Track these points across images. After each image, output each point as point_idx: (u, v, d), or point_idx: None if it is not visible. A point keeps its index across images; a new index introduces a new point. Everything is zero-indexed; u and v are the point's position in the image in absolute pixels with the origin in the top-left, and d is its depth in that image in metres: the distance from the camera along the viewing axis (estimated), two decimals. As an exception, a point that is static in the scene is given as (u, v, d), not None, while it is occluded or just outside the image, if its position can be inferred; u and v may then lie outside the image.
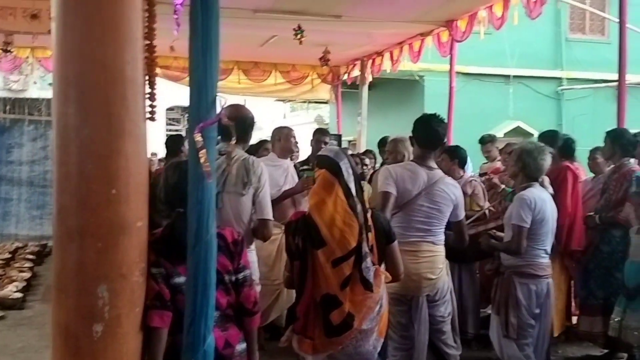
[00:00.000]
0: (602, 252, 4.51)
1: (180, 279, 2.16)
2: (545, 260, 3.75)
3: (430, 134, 3.62)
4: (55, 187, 1.93)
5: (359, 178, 3.01)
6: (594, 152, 5.21)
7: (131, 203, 1.91)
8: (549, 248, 3.77)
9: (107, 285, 1.88)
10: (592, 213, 4.64)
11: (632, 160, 4.55)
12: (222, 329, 2.31)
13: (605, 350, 4.68)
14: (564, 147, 4.99)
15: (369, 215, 2.93)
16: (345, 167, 2.88)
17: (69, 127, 1.86)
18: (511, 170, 3.91)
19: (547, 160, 3.76)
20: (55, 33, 1.88)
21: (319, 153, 3.22)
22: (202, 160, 1.75)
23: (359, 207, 2.86)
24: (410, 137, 3.78)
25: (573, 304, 5.01)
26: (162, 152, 8.86)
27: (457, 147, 5.21)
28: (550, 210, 3.73)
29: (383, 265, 3.11)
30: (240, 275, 2.40)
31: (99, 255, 1.87)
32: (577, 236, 4.66)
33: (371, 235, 2.90)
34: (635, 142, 4.52)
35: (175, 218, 2.21)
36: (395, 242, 3.14)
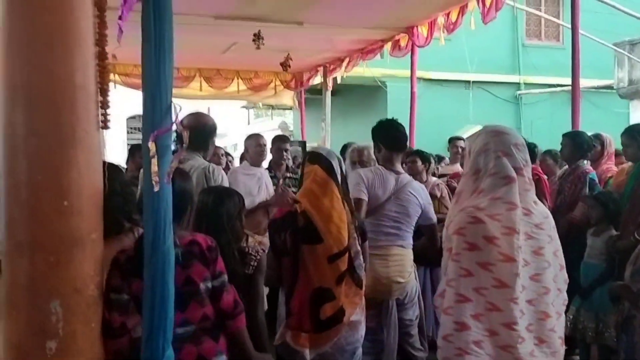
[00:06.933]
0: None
1: None
2: None
3: (397, 137, 3.66)
4: (4, 199, 1.85)
5: (345, 179, 3.06)
6: (545, 154, 5.34)
7: (84, 215, 1.85)
8: None
9: (60, 301, 1.82)
10: None
11: (585, 162, 4.66)
12: (195, 343, 2.22)
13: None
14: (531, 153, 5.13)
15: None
16: (336, 166, 2.96)
17: (17, 136, 1.80)
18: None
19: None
20: (0, 38, 1.81)
21: (311, 149, 3.29)
22: (154, 169, 1.70)
23: (346, 206, 2.92)
24: (374, 143, 3.79)
25: None
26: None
27: (423, 151, 5.24)
28: None
29: None
30: (218, 282, 2.34)
31: (51, 270, 1.81)
32: None
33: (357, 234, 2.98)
34: (591, 144, 4.63)
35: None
36: (367, 242, 3.21)
